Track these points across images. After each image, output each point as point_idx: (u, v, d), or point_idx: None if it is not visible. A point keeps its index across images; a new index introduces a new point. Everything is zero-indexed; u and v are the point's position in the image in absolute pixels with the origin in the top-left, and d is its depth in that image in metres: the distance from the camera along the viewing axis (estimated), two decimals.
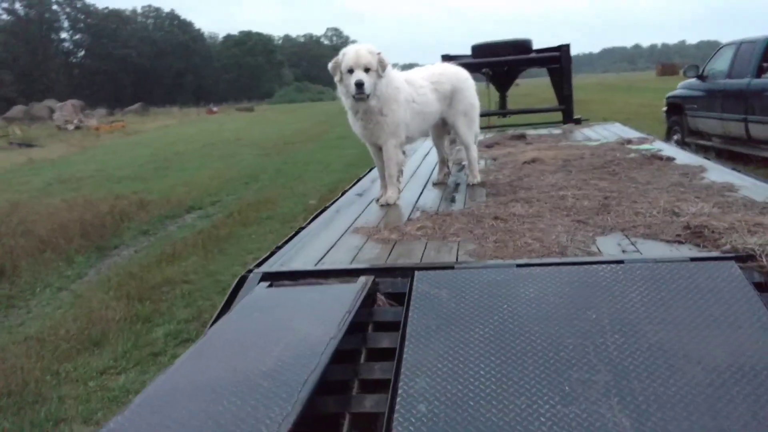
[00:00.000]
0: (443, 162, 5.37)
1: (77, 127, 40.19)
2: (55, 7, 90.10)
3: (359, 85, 4.18)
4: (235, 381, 2.10)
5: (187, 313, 5.99)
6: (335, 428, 2.27)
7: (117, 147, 25.82)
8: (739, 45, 11.35)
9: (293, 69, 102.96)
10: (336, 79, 4.38)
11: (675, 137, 13.23)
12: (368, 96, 4.25)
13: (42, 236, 8.82)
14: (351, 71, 4.23)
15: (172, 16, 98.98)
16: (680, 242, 3.20)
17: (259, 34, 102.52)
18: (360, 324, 2.78)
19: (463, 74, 5.09)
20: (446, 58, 10.04)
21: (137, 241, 9.39)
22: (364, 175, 6.04)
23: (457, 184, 5.25)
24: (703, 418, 2.01)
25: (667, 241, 3.24)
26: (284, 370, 2.13)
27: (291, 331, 2.49)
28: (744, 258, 2.88)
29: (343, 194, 5.30)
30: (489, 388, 2.22)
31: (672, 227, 3.38)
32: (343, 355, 2.58)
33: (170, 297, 6.49)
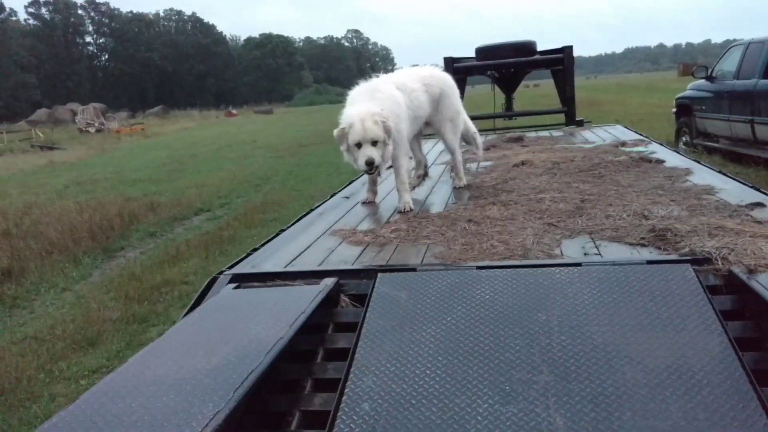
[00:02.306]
0: (419, 164, 5.41)
1: (98, 130, 40.89)
2: (80, 11, 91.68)
3: (370, 163, 4.12)
4: (179, 378, 2.19)
5: (183, 313, 6.09)
6: (285, 426, 2.34)
7: (135, 149, 26.22)
8: (748, 45, 11.24)
9: (313, 71, 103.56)
10: (342, 148, 4.28)
11: (684, 138, 13.14)
12: (377, 168, 4.24)
13: (51, 238, 9.04)
14: (359, 145, 4.13)
15: (195, 19, 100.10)
16: (643, 245, 3.23)
17: (279, 37, 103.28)
18: (320, 325, 2.86)
19: (450, 80, 5.13)
20: (450, 60, 10.07)
21: (144, 243, 9.57)
22: (356, 179, 6.11)
23: (444, 187, 5.30)
24: (635, 417, 2.05)
25: (631, 244, 3.27)
26: (227, 368, 2.21)
27: (244, 331, 2.57)
28: (700, 261, 2.90)
29: (331, 197, 5.39)
30: (432, 388, 2.28)
31: (638, 230, 3.41)
32: (299, 355, 2.66)
33: (168, 298, 6.62)
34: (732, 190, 4.27)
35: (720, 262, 2.85)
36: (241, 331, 2.59)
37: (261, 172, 16.52)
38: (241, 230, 9.63)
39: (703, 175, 4.88)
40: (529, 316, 2.65)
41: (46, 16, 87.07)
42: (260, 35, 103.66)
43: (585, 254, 3.22)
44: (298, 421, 2.36)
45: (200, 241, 9.11)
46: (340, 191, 5.64)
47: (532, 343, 2.46)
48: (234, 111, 59.22)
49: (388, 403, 2.23)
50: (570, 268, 3.00)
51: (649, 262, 2.98)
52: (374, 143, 4.11)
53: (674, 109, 14.03)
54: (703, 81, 12.58)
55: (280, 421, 2.34)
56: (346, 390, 2.31)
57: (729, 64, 11.71)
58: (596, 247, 3.31)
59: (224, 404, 1.95)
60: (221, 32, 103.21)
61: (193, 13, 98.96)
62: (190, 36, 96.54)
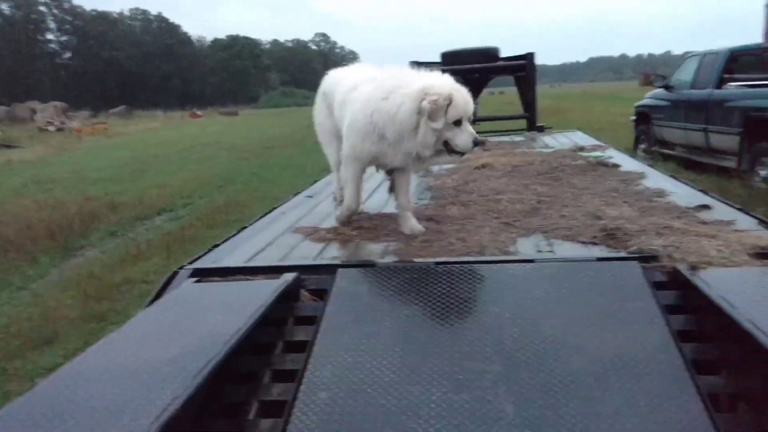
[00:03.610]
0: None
1: (59, 129, 40.04)
2: (42, 8, 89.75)
3: (477, 142, 3.52)
4: (137, 367, 2.21)
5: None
6: (243, 415, 2.38)
7: (97, 149, 25.80)
8: (703, 56, 11.60)
9: (280, 74, 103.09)
10: (436, 124, 3.36)
11: (642, 146, 13.49)
12: None
13: (7, 236, 8.87)
14: (459, 123, 3.44)
15: (160, 19, 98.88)
16: (594, 243, 3.35)
17: (246, 39, 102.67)
18: (279, 318, 2.90)
19: None
20: (415, 64, 10.17)
21: (104, 243, 9.46)
22: (320, 180, 6.17)
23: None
24: (580, 404, 2.15)
25: (583, 243, 3.39)
26: (186, 358, 2.24)
27: (203, 323, 2.60)
28: (647, 259, 3.03)
29: (294, 196, 5.43)
30: (388, 377, 2.35)
31: (590, 230, 3.54)
32: (258, 347, 2.70)
33: (128, 296, 6.57)
34: (682, 194, 4.44)
35: (665, 260, 2.98)
36: (201, 323, 2.62)
37: (225, 174, 16.43)
38: (203, 230, 9.59)
39: (655, 179, 5.05)
40: (483, 309, 2.75)
41: (6, 11, 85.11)
42: (227, 37, 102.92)
43: (538, 251, 3.33)
44: (256, 410, 2.40)
45: (162, 240, 9.05)
46: (303, 191, 5.68)
47: (485, 335, 2.55)
48: (199, 112, 58.58)
49: (344, 392, 2.29)
50: (523, 264, 3.10)
51: (599, 259, 3.10)
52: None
53: (633, 117, 14.39)
54: (661, 90, 12.95)
55: (238, 411, 2.38)
56: (304, 380, 2.36)
57: (685, 74, 12.06)
58: (549, 245, 3.42)
59: (182, 391, 1.99)
60: (187, 33, 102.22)
61: (159, 13, 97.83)
62: (156, 36, 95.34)
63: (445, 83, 3.46)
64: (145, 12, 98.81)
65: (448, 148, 3.50)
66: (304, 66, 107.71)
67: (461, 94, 3.42)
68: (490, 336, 2.55)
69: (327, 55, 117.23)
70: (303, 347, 2.64)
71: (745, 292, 2.58)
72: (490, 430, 2.04)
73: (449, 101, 3.36)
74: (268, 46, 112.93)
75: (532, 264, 3.09)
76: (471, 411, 2.15)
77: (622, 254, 3.14)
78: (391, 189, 4.00)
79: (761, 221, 3.61)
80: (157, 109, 63.87)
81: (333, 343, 2.59)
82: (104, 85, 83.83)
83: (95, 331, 5.60)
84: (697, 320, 2.68)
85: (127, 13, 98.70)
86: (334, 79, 4.29)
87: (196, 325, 2.60)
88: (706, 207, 3.94)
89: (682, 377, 2.24)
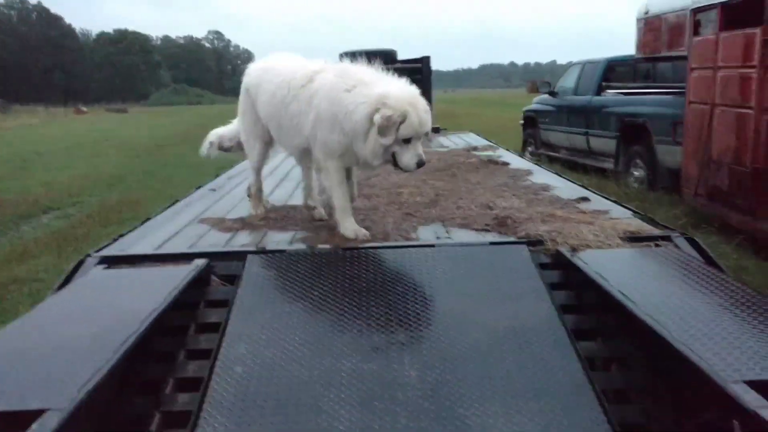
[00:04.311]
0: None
1: None
2: None
3: (421, 164, 3.32)
4: (57, 345, 2.25)
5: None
6: (161, 392, 2.46)
7: None
8: (584, 65, 12.47)
9: (172, 71, 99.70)
10: (385, 140, 3.22)
11: (530, 149, 14.27)
12: None
13: None
14: (408, 141, 3.27)
15: (40, 9, 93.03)
16: (487, 230, 3.66)
17: (135, 33, 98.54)
18: (191, 302, 2.98)
19: None
20: (345, 56, 10.30)
21: None
22: (222, 174, 6.21)
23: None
24: (476, 369, 2.39)
25: (477, 230, 3.69)
26: (105, 336, 2.30)
27: (118, 305, 2.65)
28: (534, 242, 3.36)
29: (197, 189, 5.44)
30: (301, 351, 2.51)
31: (484, 218, 3.84)
32: (172, 329, 2.78)
33: (17, 295, 6.28)
34: (564, 188, 4.86)
35: (549, 244, 3.32)
36: (114, 306, 2.67)
37: (115, 172, 15.84)
38: (96, 228, 9.25)
39: (541, 176, 5.48)
40: (388, 288, 2.96)
41: None
42: (114, 31, 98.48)
43: (438, 238, 3.59)
44: (172, 386, 2.49)
45: (51, 239, 8.67)
46: (205, 184, 5.69)
47: (390, 312, 2.76)
48: (84, 108, 55.73)
49: (259, 366, 2.42)
50: (424, 248, 3.35)
51: (492, 244, 3.41)
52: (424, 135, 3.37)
53: (521, 121, 15.20)
54: (546, 96, 13.77)
55: (155, 387, 2.46)
56: (219, 356, 2.48)
57: (569, 81, 12.91)
58: (447, 232, 3.70)
59: (104, 363, 2.05)
60: (71, 25, 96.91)
61: (39, 2, 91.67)
62: (35, 27, 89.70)
63: (404, 96, 3.27)
64: (22, 1, 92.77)
65: (393, 161, 3.35)
66: (197, 64, 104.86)
67: (417, 111, 3.24)
68: (394, 312, 2.76)
69: (221, 53, 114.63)
70: (216, 328, 2.75)
71: (617, 269, 2.94)
72: (396, 393, 2.24)
73: (403, 119, 3.20)
74: (158, 43, 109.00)
75: (432, 248, 3.35)
76: (378, 378, 2.34)
77: (512, 239, 3.46)
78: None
79: (632, 211, 4.04)
80: (39, 104, 60.09)
81: (246, 323, 2.72)
82: None
83: None
84: (577, 295, 3.02)
85: (1, 1, 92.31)
86: (255, 73, 4.09)
87: (109, 307, 2.65)
88: (585, 199, 4.35)
89: (563, 343, 2.54)
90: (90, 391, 1.89)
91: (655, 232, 3.49)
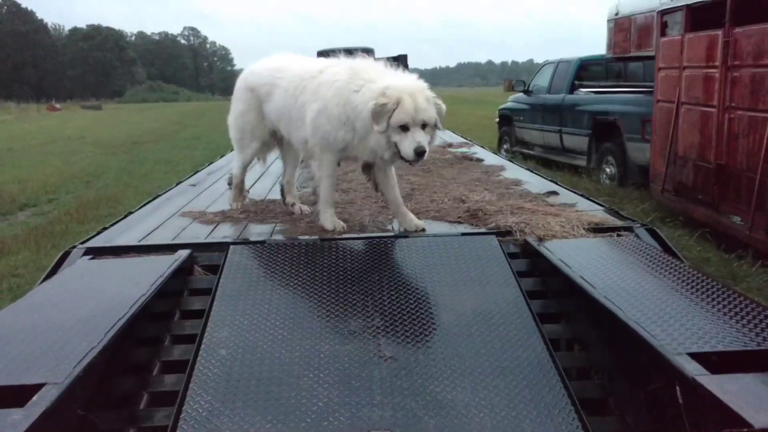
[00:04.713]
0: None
1: None
2: None
3: (421, 153, 3.28)
4: (51, 326, 2.38)
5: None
6: (148, 373, 2.59)
7: None
8: (557, 64, 12.70)
9: (147, 68, 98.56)
10: (378, 129, 3.28)
11: (505, 146, 14.49)
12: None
13: None
14: (404, 128, 3.29)
15: (10, 3, 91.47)
16: (459, 222, 3.83)
17: (109, 29, 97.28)
18: (175, 291, 3.11)
19: None
20: (322, 54, 10.43)
21: None
22: (201, 170, 6.31)
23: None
24: (447, 348, 2.56)
25: (450, 222, 3.86)
26: (95, 319, 2.42)
27: (105, 292, 2.77)
28: (503, 233, 3.53)
29: (177, 184, 5.55)
30: (281, 335, 2.65)
31: (456, 211, 4.01)
32: (157, 315, 2.91)
33: None
34: (535, 182, 5.05)
35: (518, 234, 3.50)
36: (101, 293, 2.79)
37: (91, 169, 15.76)
38: (73, 225, 9.26)
39: (513, 171, 5.67)
40: (364, 276, 3.11)
41: None
42: (87, 26, 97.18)
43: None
44: (159, 369, 2.62)
45: (29, 235, 8.66)
46: (185, 179, 5.80)
47: (366, 298, 2.92)
48: (57, 105, 54.95)
49: (242, 349, 2.57)
50: (399, 239, 3.51)
51: (463, 234, 3.58)
52: (423, 126, 3.33)
53: (497, 119, 15.42)
54: (521, 94, 13.99)
55: (143, 370, 2.59)
56: (204, 340, 2.61)
57: (542, 79, 13.13)
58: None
59: (97, 343, 2.18)
60: (42, 20, 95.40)
61: None
62: (5, 21, 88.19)
63: (402, 85, 3.33)
64: None
65: (398, 153, 3.37)
66: (172, 60, 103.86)
67: (414, 98, 3.26)
68: (370, 298, 2.92)
69: (197, 50, 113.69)
70: (200, 315, 2.88)
71: (580, 256, 3.12)
72: (372, 372, 2.40)
73: (397, 105, 3.24)
74: (133, 39, 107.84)
75: (406, 239, 3.51)
76: (355, 358, 2.50)
77: (482, 230, 3.63)
78: (376, 188, 3.88)
79: (597, 204, 4.24)
80: (9, 100, 59.15)
81: (229, 309, 2.85)
82: None
83: None
84: (543, 281, 3.20)
85: None
86: (262, 72, 4.09)
87: (97, 295, 2.77)
88: (554, 193, 4.54)
89: (529, 326, 2.71)
90: (85, 367, 2.02)
91: (618, 223, 3.69)
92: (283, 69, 3.96)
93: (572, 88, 11.82)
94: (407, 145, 3.26)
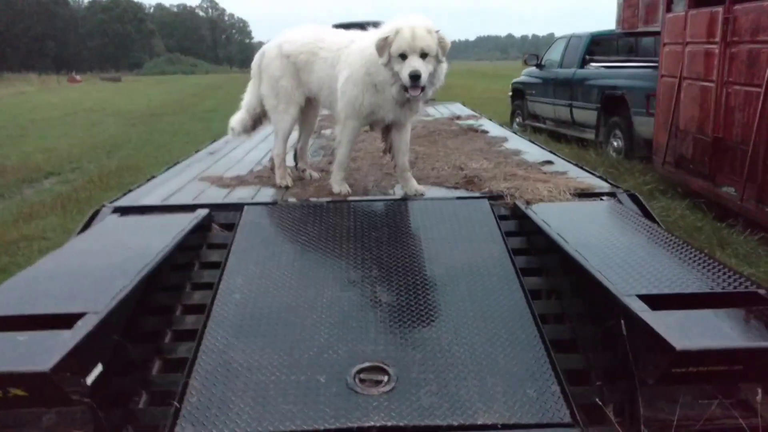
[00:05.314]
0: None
1: None
2: None
3: (415, 77, 3.43)
4: (87, 269, 2.73)
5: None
6: (172, 313, 2.94)
7: None
8: (569, 39, 12.82)
9: (165, 40, 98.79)
10: (381, 61, 3.53)
11: (517, 120, 14.67)
12: (423, 89, 3.54)
13: None
14: (404, 56, 3.48)
15: None
16: (456, 188, 4.13)
17: (128, 1, 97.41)
18: (195, 245, 3.46)
19: None
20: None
21: None
22: (219, 139, 6.64)
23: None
24: (434, 295, 2.90)
25: (447, 187, 4.16)
26: (125, 264, 2.77)
27: (133, 243, 3.12)
28: (495, 197, 3.83)
29: (196, 152, 5.89)
30: (289, 283, 3.00)
31: (455, 178, 4.31)
32: (180, 266, 3.26)
33: (27, 252, 6.73)
34: (533, 152, 5.32)
35: (508, 198, 3.80)
36: (131, 244, 3.14)
37: (113, 140, 16.18)
38: (97, 192, 9.66)
39: (515, 142, 5.94)
40: (365, 234, 3.44)
41: None
42: None
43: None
44: (181, 311, 2.98)
45: (55, 201, 9.08)
46: (204, 148, 6.13)
47: (366, 252, 3.25)
48: (78, 77, 55.46)
49: (254, 294, 2.91)
50: (399, 202, 3.83)
51: (458, 198, 3.89)
52: (423, 55, 3.48)
53: (510, 93, 15.59)
54: (534, 68, 14.13)
55: (167, 311, 2.94)
56: (220, 287, 2.97)
57: (555, 54, 13.27)
58: None
59: (129, 282, 2.54)
60: None
61: None
62: None
63: (406, 20, 3.51)
64: None
65: (402, 85, 3.54)
66: (191, 32, 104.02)
67: (413, 29, 3.43)
68: (369, 253, 3.25)
69: (215, 22, 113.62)
70: (217, 266, 3.23)
71: (561, 218, 3.41)
72: (368, 314, 2.74)
73: (396, 35, 3.43)
74: (151, 11, 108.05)
75: (406, 202, 3.83)
76: (355, 302, 2.84)
77: (476, 194, 3.93)
78: (386, 150, 4.14)
79: (588, 171, 4.51)
80: (31, 71, 59.79)
81: (243, 260, 3.20)
82: None
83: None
84: (528, 240, 3.50)
85: None
86: (301, 41, 4.18)
87: (125, 246, 3.12)
88: (548, 162, 4.82)
89: (510, 278, 3.03)
90: (119, 301, 2.37)
91: (604, 188, 3.97)
92: (324, 39, 4.12)
93: (583, 63, 11.96)
94: (404, 70, 3.45)
